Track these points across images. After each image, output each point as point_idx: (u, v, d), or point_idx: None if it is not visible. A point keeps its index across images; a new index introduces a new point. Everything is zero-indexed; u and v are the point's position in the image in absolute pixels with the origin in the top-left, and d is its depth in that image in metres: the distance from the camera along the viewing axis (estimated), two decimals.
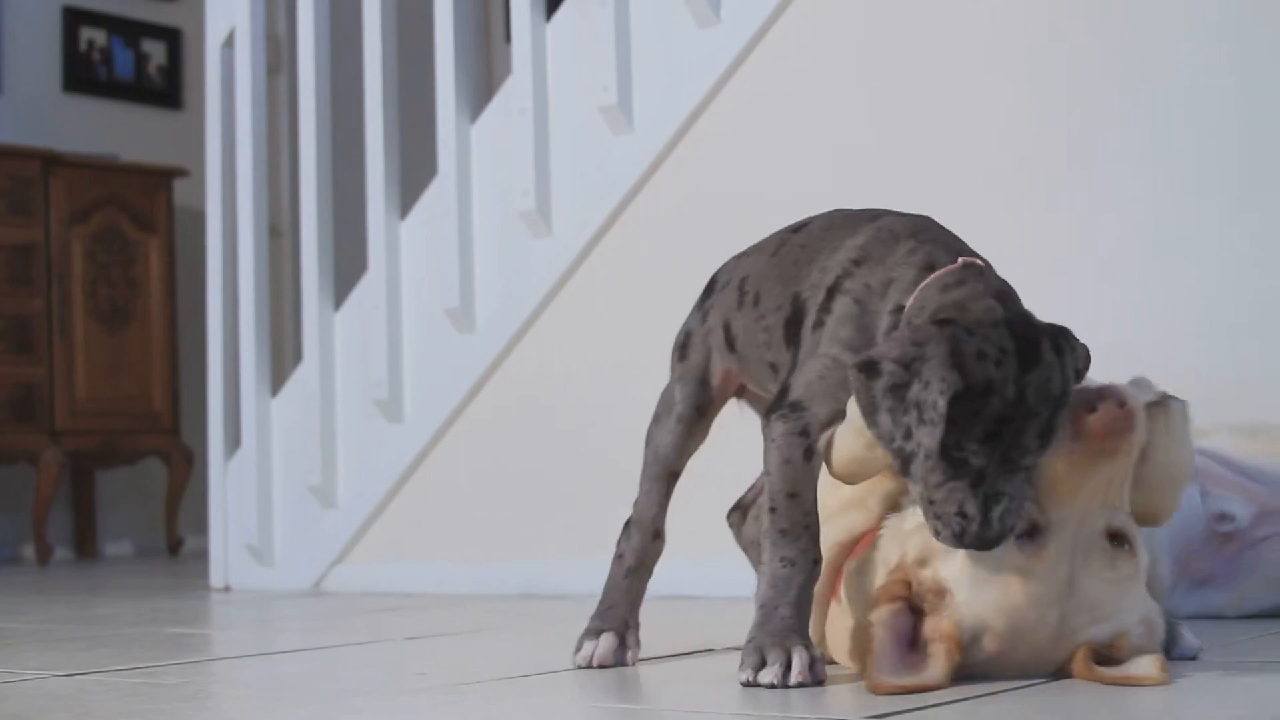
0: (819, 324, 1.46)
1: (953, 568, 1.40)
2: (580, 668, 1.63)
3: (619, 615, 1.65)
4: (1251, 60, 2.26)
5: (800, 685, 1.38)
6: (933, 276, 1.40)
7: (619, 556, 1.68)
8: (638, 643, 1.67)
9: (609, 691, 1.52)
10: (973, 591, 1.39)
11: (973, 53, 2.51)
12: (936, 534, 1.36)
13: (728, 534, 1.77)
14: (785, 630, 1.42)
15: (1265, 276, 2.23)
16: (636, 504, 1.67)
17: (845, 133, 2.62)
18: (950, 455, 1.32)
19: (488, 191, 3.01)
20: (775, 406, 1.46)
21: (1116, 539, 1.41)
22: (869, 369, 1.33)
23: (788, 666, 1.39)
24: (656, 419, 1.67)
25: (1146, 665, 1.38)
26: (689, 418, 1.64)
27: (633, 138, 2.81)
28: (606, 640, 1.63)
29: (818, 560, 1.45)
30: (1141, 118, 2.34)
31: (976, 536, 1.33)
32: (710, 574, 1.83)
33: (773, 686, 1.38)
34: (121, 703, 1.50)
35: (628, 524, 1.68)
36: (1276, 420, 2.09)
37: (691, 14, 2.72)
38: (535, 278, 2.92)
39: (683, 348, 1.67)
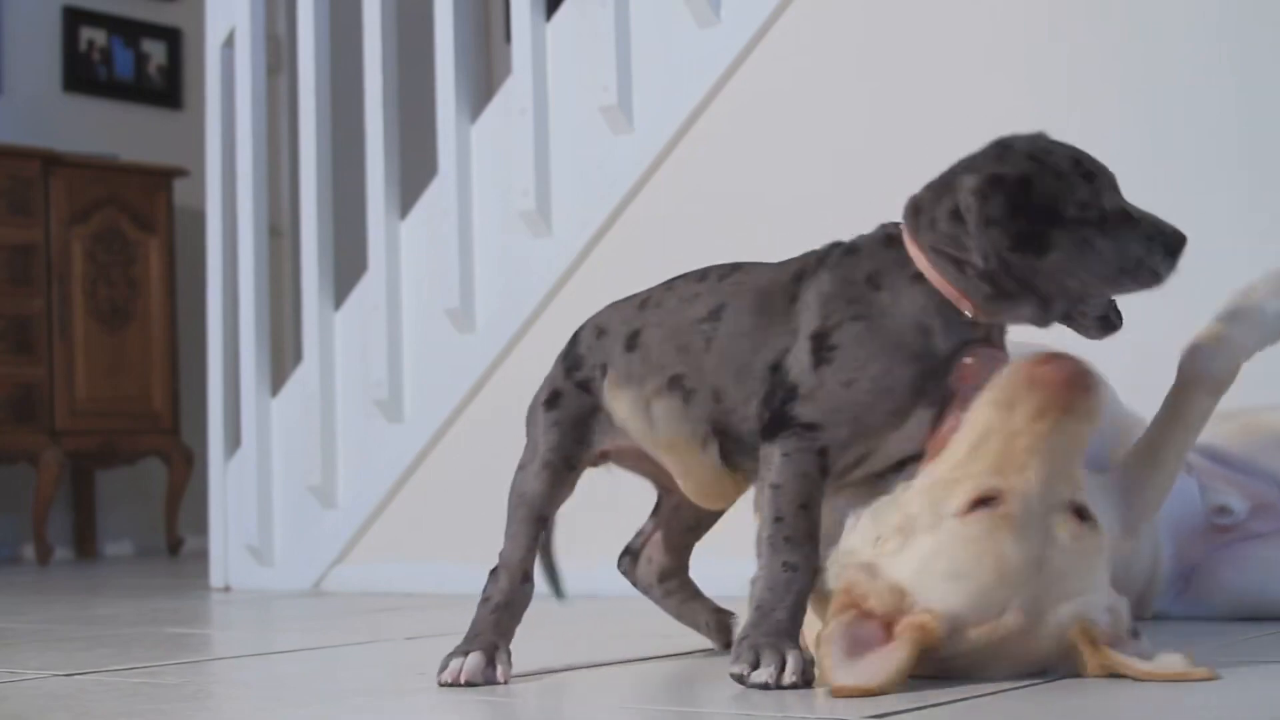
0: (824, 362, 1.46)
1: (907, 566, 1.39)
2: (446, 684, 1.54)
3: (486, 639, 1.59)
4: (1251, 60, 2.26)
5: (793, 686, 1.38)
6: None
7: (485, 599, 1.62)
8: (509, 662, 1.59)
9: (608, 692, 1.52)
10: (937, 584, 1.37)
11: (973, 53, 2.51)
12: (1135, 274, 1.45)
13: (725, 534, 1.77)
14: (779, 633, 1.42)
15: None
16: (503, 551, 1.64)
17: (845, 133, 2.62)
18: (1083, 216, 1.42)
19: (488, 191, 3.01)
20: (780, 428, 1.46)
21: (1080, 514, 1.40)
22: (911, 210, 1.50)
23: (781, 668, 1.39)
24: (522, 467, 1.65)
25: (1181, 662, 1.37)
26: (557, 465, 1.63)
27: (633, 138, 2.81)
28: (474, 658, 1.56)
29: (818, 569, 1.45)
30: (1141, 118, 2.34)
31: (1174, 234, 1.50)
32: (709, 574, 1.83)
33: (765, 687, 1.38)
34: (121, 703, 1.50)
35: (495, 570, 1.64)
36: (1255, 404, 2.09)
37: (691, 14, 2.72)
38: (535, 278, 2.92)
39: (549, 403, 1.66)
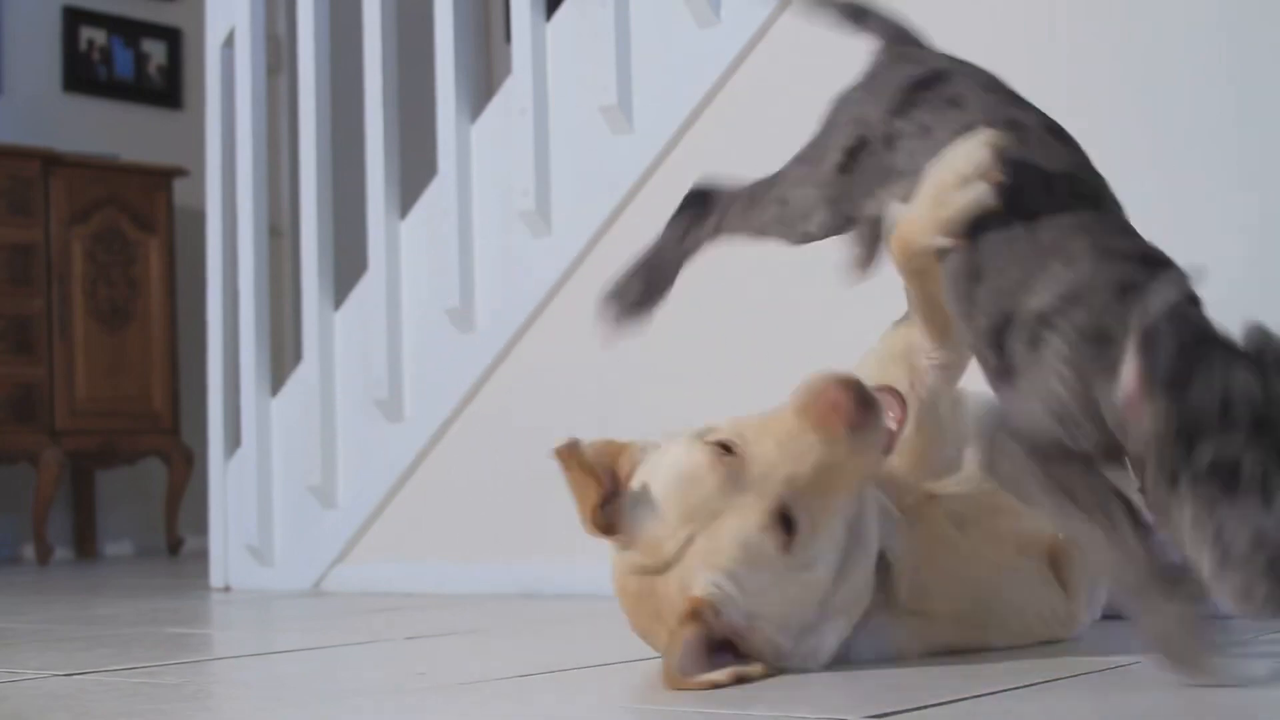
0: (1036, 345, 1.36)
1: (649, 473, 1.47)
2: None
3: None
4: (1251, 60, 2.26)
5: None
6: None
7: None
8: None
9: (610, 690, 1.52)
10: (656, 482, 1.46)
11: (973, 53, 2.50)
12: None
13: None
14: None
15: (1266, 277, 2.23)
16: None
17: None
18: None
19: (488, 191, 3.01)
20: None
21: (786, 527, 1.41)
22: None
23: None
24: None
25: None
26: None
27: (633, 138, 2.81)
28: None
29: None
30: (1141, 118, 2.34)
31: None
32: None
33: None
34: (121, 703, 1.50)
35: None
36: None
37: (691, 14, 2.72)
38: (535, 278, 2.92)
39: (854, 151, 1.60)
